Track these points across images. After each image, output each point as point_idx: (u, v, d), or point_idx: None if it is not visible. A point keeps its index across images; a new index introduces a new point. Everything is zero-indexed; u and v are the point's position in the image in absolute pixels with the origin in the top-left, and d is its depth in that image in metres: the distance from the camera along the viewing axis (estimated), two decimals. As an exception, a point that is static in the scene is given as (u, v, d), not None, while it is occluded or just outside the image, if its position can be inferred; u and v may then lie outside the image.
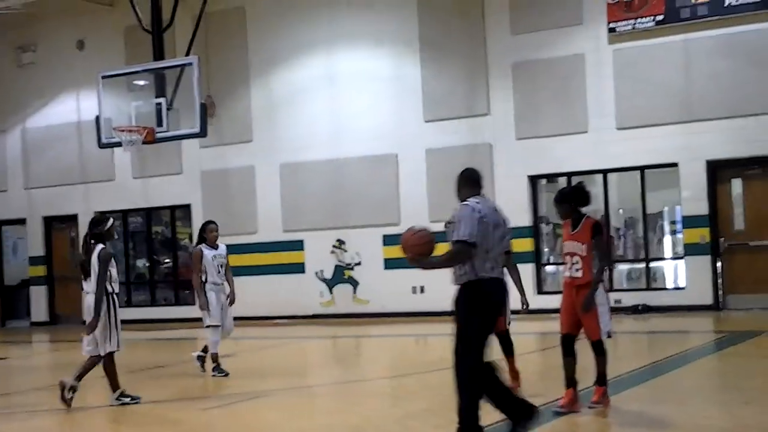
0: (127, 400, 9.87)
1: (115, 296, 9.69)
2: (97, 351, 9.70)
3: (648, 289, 18.89)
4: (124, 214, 23.79)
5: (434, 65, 20.16)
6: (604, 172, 19.16)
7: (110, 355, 9.72)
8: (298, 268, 21.06)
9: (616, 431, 7.79)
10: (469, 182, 7.23)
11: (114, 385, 9.83)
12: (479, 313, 6.81)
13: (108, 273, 9.55)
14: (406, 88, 20.40)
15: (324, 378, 12.00)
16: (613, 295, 18.60)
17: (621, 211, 19.93)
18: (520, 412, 6.92)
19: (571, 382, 8.36)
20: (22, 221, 24.49)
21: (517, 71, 19.44)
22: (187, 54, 18.46)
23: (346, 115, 20.90)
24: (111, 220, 9.93)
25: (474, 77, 19.79)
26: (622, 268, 20.16)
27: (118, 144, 17.97)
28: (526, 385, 9.27)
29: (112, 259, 9.71)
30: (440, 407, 8.59)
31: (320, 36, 21.18)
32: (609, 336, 8.43)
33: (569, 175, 19.33)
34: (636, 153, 18.45)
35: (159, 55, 18.49)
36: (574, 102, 18.94)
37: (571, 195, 8.51)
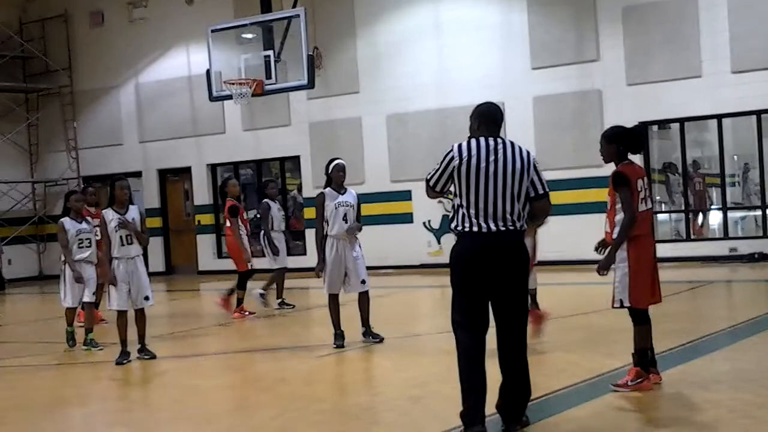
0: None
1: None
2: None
3: (765, 236, 18.38)
4: (235, 166, 24.26)
5: (541, 11, 19.82)
6: (719, 117, 18.63)
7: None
8: (407, 218, 21.17)
9: (734, 376, 7.67)
10: (481, 120, 6.21)
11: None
12: (450, 270, 6.13)
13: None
14: (512, 35, 20.13)
15: (433, 326, 12.09)
16: (727, 243, 18.45)
17: (736, 157, 19.41)
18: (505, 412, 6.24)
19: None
20: (138, 174, 25.14)
21: (627, 15, 18.98)
22: (294, 6, 18.57)
23: (452, 64, 20.77)
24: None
25: (582, 22, 19.40)
26: (738, 215, 19.70)
27: (229, 97, 18.27)
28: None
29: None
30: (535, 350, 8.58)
31: (426, -16, 21.03)
32: (621, 305, 7.26)
33: (682, 120, 18.91)
34: (752, 97, 17.87)
35: (266, 7, 18.66)
36: (687, 45, 18.41)
37: (622, 136, 7.39)
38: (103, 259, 10.49)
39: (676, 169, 19.69)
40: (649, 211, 7.45)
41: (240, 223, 14.06)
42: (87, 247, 11.42)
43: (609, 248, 7.26)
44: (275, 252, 14.26)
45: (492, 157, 6.00)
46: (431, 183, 6.19)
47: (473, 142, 6.09)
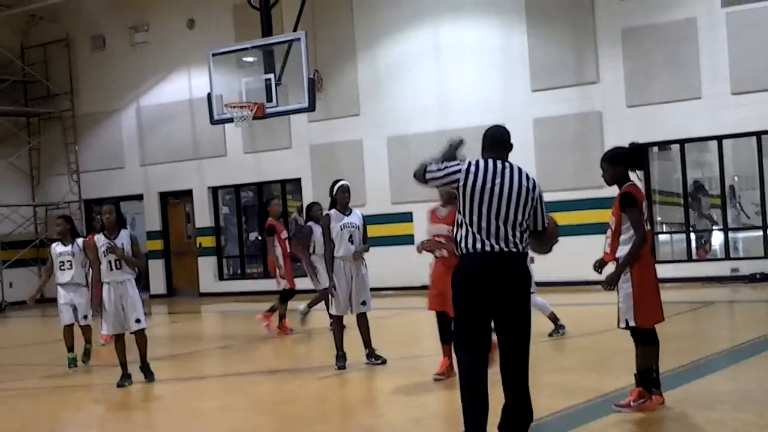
0: None
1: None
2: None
3: (766, 257, 18.37)
4: (237, 189, 24.32)
5: (541, 33, 19.90)
6: (719, 139, 18.68)
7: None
8: (408, 240, 21.13)
9: (730, 398, 7.65)
10: (490, 143, 6.34)
11: None
12: (453, 290, 6.17)
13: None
14: (512, 58, 20.21)
15: (435, 348, 12.07)
16: (729, 264, 18.43)
17: (736, 178, 19.43)
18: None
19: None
20: (139, 197, 25.18)
21: (627, 37, 19.06)
22: (295, 30, 18.63)
23: (452, 86, 20.84)
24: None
25: (582, 44, 19.48)
26: (739, 236, 19.71)
27: (230, 120, 18.29)
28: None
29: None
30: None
31: (426, 7, 21.12)
32: (627, 326, 7.24)
33: (682, 142, 18.96)
34: (752, 118, 17.92)
35: (267, 31, 18.71)
36: (687, 67, 18.47)
37: (626, 156, 7.41)
38: (93, 283, 10.48)
39: (706, 192, 19.63)
40: (649, 231, 7.50)
41: (277, 243, 14.08)
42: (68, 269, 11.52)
43: (617, 265, 7.27)
44: (315, 273, 13.92)
45: (498, 180, 6.08)
46: (427, 176, 6.28)
47: (481, 162, 6.18)
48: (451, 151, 6.44)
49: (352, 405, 8.90)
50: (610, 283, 7.24)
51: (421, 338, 12.44)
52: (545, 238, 6.40)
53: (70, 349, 11.61)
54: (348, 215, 10.31)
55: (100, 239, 10.05)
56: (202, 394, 9.80)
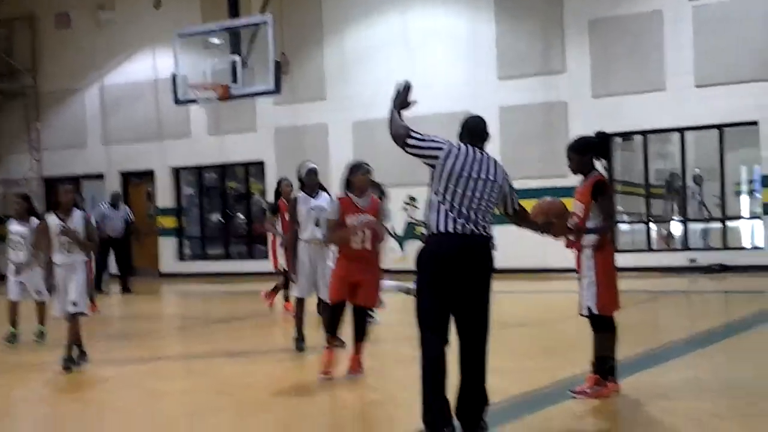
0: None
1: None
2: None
3: (725, 248, 18.59)
4: (199, 170, 24.18)
5: (509, 22, 19.95)
6: (682, 131, 18.86)
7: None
8: (371, 225, 21.17)
9: (684, 387, 7.74)
10: (468, 133, 6.39)
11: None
12: (421, 269, 6.14)
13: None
14: (480, 46, 20.24)
15: (394, 333, 12.09)
16: (687, 254, 18.62)
17: (697, 170, 19.61)
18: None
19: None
20: (100, 176, 24.97)
21: (594, 28, 19.15)
22: (263, 12, 18.58)
23: (419, 72, 20.67)
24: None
25: (549, 34, 19.55)
26: (699, 227, 19.91)
27: (194, 101, 18.23)
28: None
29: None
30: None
31: (394, -7, 21.10)
32: (590, 313, 7.28)
33: (645, 133, 19.13)
34: (715, 111, 18.11)
35: (234, 13, 18.64)
36: (652, 59, 18.61)
37: (593, 145, 7.47)
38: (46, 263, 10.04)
39: (701, 180, 19.53)
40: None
41: (280, 223, 13.51)
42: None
43: (586, 229, 7.22)
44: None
45: (476, 167, 6.16)
46: (409, 141, 6.19)
47: (463, 147, 6.25)
48: (404, 95, 6.44)
49: (309, 388, 8.88)
50: (576, 234, 7.19)
51: (382, 323, 12.42)
52: (519, 220, 6.57)
53: (13, 324, 11.51)
54: (315, 198, 10.15)
55: (53, 220, 9.78)
56: (160, 376, 9.72)
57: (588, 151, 7.44)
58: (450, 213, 6.07)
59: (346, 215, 8.49)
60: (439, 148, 6.18)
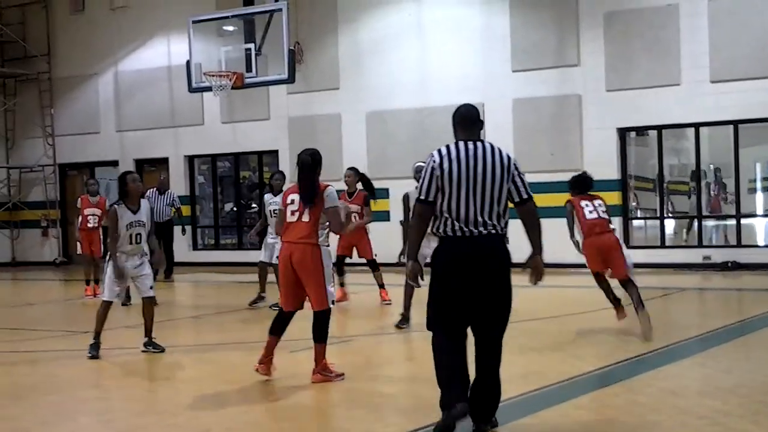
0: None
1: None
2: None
3: (739, 245, 18.52)
4: (213, 159, 24.20)
5: (523, 14, 19.87)
6: (696, 126, 18.76)
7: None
8: (383, 216, 21.11)
9: (699, 387, 7.71)
10: (459, 123, 6.22)
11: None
12: (432, 270, 6.13)
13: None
14: (494, 37, 20.17)
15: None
16: (701, 252, 18.55)
17: (712, 166, 19.53)
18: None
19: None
20: (114, 163, 25.00)
21: (609, 21, 19.06)
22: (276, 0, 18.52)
23: (433, 63, 20.79)
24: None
25: (564, 27, 19.46)
26: (713, 224, 19.84)
27: (208, 89, 18.21)
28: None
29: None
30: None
31: (409, -17, 21.04)
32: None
33: (659, 128, 19.02)
34: (730, 107, 17.99)
35: (248, 0, 18.60)
36: (667, 53, 18.50)
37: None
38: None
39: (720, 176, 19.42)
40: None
41: None
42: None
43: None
44: None
45: (472, 162, 6.00)
46: (422, 195, 6.06)
47: (452, 148, 6.07)
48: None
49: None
50: None
51: (395, 315, 12.40)
52: (524, 218, 6.20)
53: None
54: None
55: (121, 210, 9.57)
56: (170, 364, 9.74)
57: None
58: (453, 219, 5.98)
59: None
60: (432, 168, 6.01)
